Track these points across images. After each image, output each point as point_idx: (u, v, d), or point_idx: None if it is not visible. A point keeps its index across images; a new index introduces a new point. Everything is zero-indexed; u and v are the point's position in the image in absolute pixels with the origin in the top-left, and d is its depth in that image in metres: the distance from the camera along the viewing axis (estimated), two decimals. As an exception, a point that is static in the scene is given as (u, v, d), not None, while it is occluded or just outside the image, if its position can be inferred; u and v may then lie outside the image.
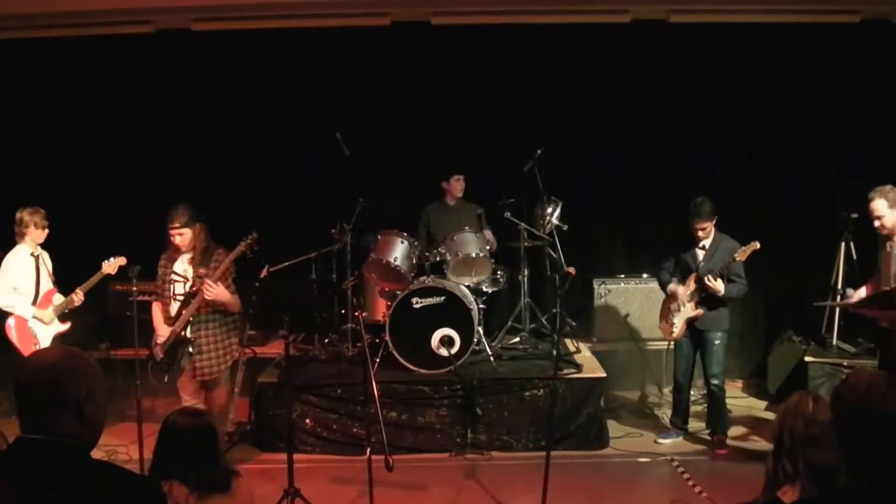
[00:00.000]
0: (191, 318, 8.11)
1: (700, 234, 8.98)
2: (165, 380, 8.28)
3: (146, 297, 8.81)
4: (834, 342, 10.20)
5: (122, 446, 8.99)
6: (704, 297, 8.93)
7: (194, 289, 8.10)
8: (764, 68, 11.32)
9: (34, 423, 3.08)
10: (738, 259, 8.63)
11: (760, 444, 8.89)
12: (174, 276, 8.24)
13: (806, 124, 11.30)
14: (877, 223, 7.90)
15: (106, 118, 11.58)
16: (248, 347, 9.82)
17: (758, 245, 8.49)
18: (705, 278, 8.76)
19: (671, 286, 9.31)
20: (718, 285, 8.75)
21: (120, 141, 11.56)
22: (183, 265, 8.28)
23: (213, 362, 8.24)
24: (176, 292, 8.24)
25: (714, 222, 8.98)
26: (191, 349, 8.20)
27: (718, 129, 11.42)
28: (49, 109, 11.52)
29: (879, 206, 7.82)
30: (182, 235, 8.13)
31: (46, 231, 8.96)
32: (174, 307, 8.23)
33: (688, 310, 9.06)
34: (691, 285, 9.01)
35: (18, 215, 8.87)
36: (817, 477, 3.71)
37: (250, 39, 11.34)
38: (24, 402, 3.11)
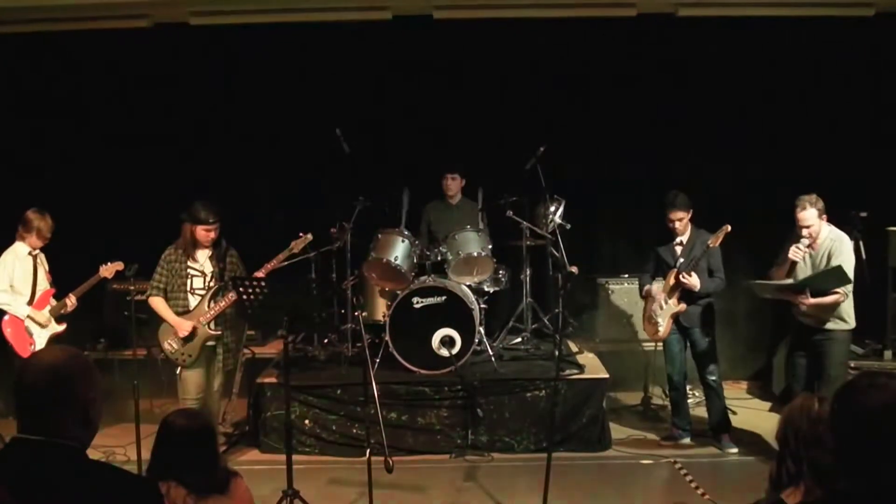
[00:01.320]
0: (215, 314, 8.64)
1: (677, 224, 9.09)
2: (178, 371, 8.63)
3: (144, 297, 8.93)
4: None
5: (119, 447, 9.08)
6: (684, 292, 9.03)
7: (217, 284, 8.67)
8: (774, 63, 11.30)
9: (37, 424, 3.10)
10: (711, 246, 8.73)
11: (765, 445, 8.93)
12: (191, 271, 8.63)
13: (817, 120, 11.27)
14: (805, 232, 8.22)
15: (101, 113, 11.62)
16: (247, 348, 9.95)
17: (728, 228, 8.61)
18: (680, 275, 8.88)
19: (646, 287, 9.46)
20: (693, 280, 8.86)
21: (115, 137, 11.58)
22: (202, 261, 8.70)
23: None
24: (194, 286, 8.66)
25: (690, 216, 9.11)
26: (213, 342, 8.70)
27: (726, 126, 11.41)
28: (43, 105, 11.56)
29: (810, 215, 8.18)
30: (216, 231, 8.59)
31: (45, 242, 9.07)
32: (192, 301, 8.66)
33: (670, 306, 9.14)
34: (671, 281, 9.09)
35: (29, 216, 8.95)
36: (821, 478, 3.73)
37: (248, 34, 11.34)
38: (29, 403, 3.14)
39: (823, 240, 8.24)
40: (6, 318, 8.96)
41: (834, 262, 8.10)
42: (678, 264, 9.10)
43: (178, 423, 4.61)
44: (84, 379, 3.20)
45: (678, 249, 9.20)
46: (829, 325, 8.28)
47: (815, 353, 8.41)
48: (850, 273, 8.13)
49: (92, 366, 3.28)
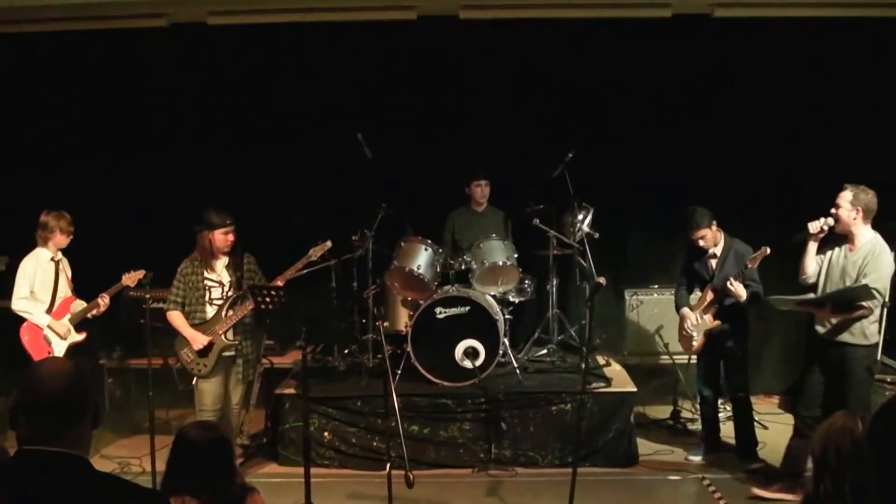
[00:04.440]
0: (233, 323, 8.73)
1: (700, 243, 9.14)
2: (195, 382, 8.73)
3: (160, 305, 9.08)
4: (878, 357, 10.25)
5: (134, 458, 9.07)
6: (721, 308, 9.08)
7: (235, 294, 8.75)
8: (811, 64, 11.31)
9: (51, 435, 3.16)
10: (750, 267, 8.70)
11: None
12: (208, 282, 8.73)
13: (856, 124, 11.22)
14: (833, 210, 8.03)
15: (116, 115, 11.73)
16: (266, 358, 10.06)
17: (768, 250, 8.51)
18: (727, 283, 8.78)
19: (682, 311, 9.48)
20: (740, 290, 8.76)
21: (130, 138, 11.71)
22: (219, 270, 8.80)
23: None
24: (212, 297, 8.77)
25: (713, 228, 9.12)
26: (231, 353, 8.77)
27: (763, 130, 11.40)
28: (57, 105, 11.72)
29: (843, 198, 8.00)
30: (233, 234, 8.71)
31: (71, 237, 9.16)
32: (210, 311, 8.75)
33: (705, 322, 9.19)
34: (708, 296, 9.15)
35: (43, 219, 9.04)
36: (864, 498, 3.84)
37: (268, 34, 11.44)
38: (52, 413, 3.20)
39: (863, 244, 8.01)
40: (25, 324, 9.03)
41: (865, 278, 7.91)
42: (714, 279, 9.16)
43: (193, 436, 4.66)
44: (89, 386, 3.39)
45: (712, 262, 9.24)
46: (845, 338, 8.03)
47: (833, 369, 8.18)
48: (884, 287, 7.98)
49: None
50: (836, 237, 8.21)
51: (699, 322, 9.28)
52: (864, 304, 7.90)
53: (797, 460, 8.23)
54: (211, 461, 4.58)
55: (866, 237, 8.05)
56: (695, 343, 9.36)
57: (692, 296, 9.55)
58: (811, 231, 8.16)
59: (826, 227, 8.10)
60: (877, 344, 8.26)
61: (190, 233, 8.87)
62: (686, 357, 10.29)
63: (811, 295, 8.38)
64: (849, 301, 7.99)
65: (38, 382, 3.28)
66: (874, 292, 7.84)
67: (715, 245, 9.23)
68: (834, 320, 8.07)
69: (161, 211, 11.14)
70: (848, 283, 8.04)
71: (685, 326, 9.47)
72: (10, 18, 11.14)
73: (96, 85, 11.75)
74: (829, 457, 4.14)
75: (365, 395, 9.48)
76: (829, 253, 8.26)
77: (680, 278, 9.72)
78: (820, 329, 8.25)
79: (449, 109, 11.81)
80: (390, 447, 7.90)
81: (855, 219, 7.99)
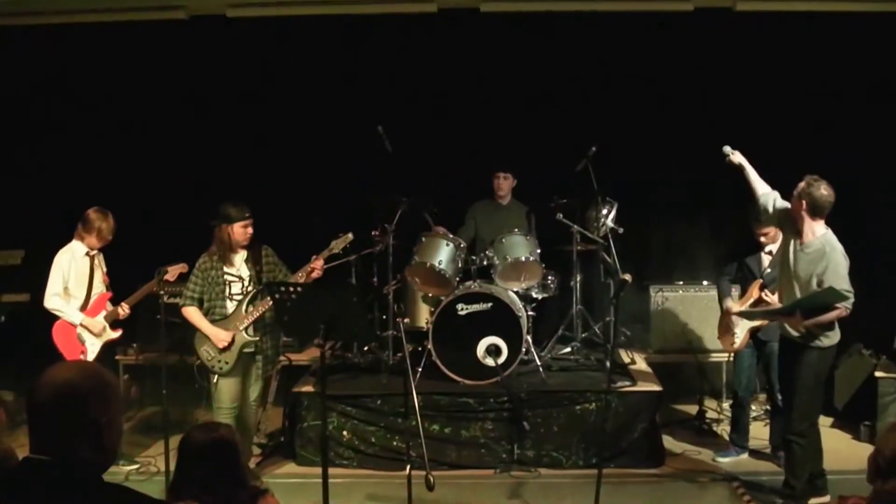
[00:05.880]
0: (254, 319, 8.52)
1: (763, 239, 8.92)
2: (214, 379, 8.49)
3: (176, 300, 8.88)
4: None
5: (150, 458, 9.05)
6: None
7: (255, 288, 8.52)
8: (838, 61, 11.10)
9: (46, 445, 3.02)
10: None
11: (827, 463, 8.70)
12: (228, 277, 8.50)
13: (886, 120, 10.99)
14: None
15: (129, 109, 11.66)
16: (284, 355, 9.88)
17: None
18: (763, 294, 8.66)
19: (727, 303, 9.17)
20: (775, 300, 8.54)
21: (146, 131, 11.64)
22: (238, 265, 8.57)
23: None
24: (233, 292, 8.53)
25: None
26: (251, 349, 8.54)
27: (788, 126, 11.22)
28: (73, 98, 11.66)
29: (798, 186, 7.64)
30: (251, 228, 8.46)
31: (104, 243, 8.97)
32: (230, 307, 8.51)
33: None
34: (755, 293, 8.88)
35: (91, 215, 8.83)
36: None
37: (288, 27, 11.36)
38: (39, 423, 3.04)
39: (812, 242, 7.58)
40: (57, 322, 8.80)
41: (824, 282, 7.46)
42: (764, 274, 8.95)
43: (197, 440, 4.55)
44: (97, 401, 3.07)
45: (766, 259, 9.03)
46: (801, 339, 7.71)
47: (790, 364, 7.90)
48: (848, 284, 7.47)
49: (109, 385, 3.15)
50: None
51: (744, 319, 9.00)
52: (837, 305, 7.46)
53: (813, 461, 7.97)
54: (214, 464, 4.49)
55: (816, 234, 7.61)
56: (737, 341, 9.11)
57: (732, 299, 9.28)
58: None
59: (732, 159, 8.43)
60: (831, 347, 7.74)
61: (202, 228, 8.66)
62: (723, 355, 10.18)
63: (778, 305, 8.10)
64: (820, 305, 7.56)
65: (34, 390, 3.07)
66: (843, 293, 7.42)
67: (773, 242, 8.94)
68: (808, 323, 7.60)
69: (177, 205, 11.04)
70: (804, 276, 7.62)
71: (728, 318, 9.16)
72: (30, 10, 11.07)
73: (115, 77, 11.67)
74: (879, 463, 4.18)
75: (385, 393, 9.32)
76: (789, 245, 7.85)
77: (728, 268, 9.41)
78: (786, 334, 7.91)
79: (470, 103, 11.69)
80: (410, 447, 7.82)
81: (798, 210, 7.61)
